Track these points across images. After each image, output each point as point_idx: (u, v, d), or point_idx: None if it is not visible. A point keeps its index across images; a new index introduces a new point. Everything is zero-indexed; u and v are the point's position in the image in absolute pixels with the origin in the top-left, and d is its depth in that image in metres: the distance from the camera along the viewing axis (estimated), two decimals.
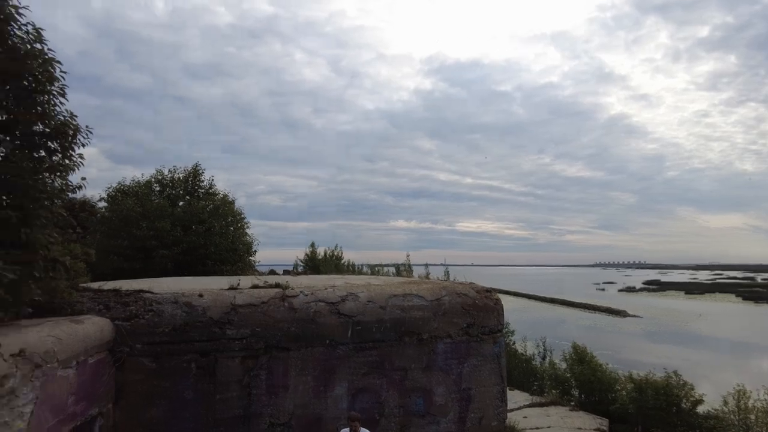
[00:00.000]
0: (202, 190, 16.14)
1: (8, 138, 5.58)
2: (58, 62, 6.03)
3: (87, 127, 6.58)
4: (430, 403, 9.30)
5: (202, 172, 16.37)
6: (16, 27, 5.74)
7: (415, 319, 9.31)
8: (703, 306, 76.39)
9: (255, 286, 8.95)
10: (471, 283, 11.17)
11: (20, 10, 5.74)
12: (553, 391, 19.69)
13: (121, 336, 7.37)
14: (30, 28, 5.85)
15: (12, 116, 5.44)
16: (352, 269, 31.24)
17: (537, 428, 11.17)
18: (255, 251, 16.92)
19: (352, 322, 8.81)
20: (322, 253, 31.70)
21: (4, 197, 4.99)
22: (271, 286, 9.07)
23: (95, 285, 8.58)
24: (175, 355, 7.65)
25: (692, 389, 15.04)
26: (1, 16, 5.49)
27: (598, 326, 52.99)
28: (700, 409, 14.81)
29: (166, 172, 16.06)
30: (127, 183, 15.72)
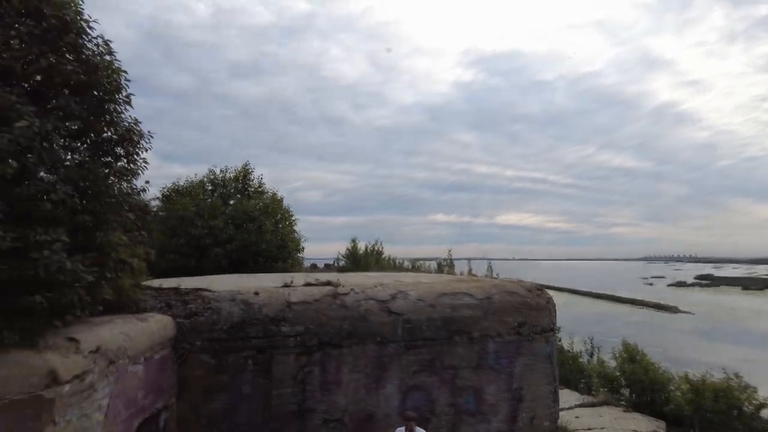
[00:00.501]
0: (252, 189, 16.63)
1: (81, 146, 5.89)
2: (124, 72, 6.30)
3: (149, 132, 6.85)
4: (481, 402, 9.26)
5: (252, 171, 16.91)
6: (87, 40, 6.02)
7: (465, 317, 9.27)
8: (763, 303, 72.59)
9: (308, 284, 9.13)
10: (521, 281, 11.02)
11: (91, 24, 6.02)
12: (601, 389, 19.20)
13: (182, 333, 7.68)
14: (100, 40, 6.12)
15: (85, 125, 5.72)
16: (393, 264, 31.31)
17: (589, 429, 10.97)
18: (303, 248, 17.27)
19: (402, 320, 8.86)
20: (363, 248, 31.82)
21: (78, 202, 5.26)
22: (323, 284, 9.22)
23: (156, 283, 8.95)
24: (234, 351, 7.91)
25: (755, 392, 14.35)
26: (74, 31, 5.77)
27: (647, 323, 51.22)
28: (765, 413, 14.12)
29: (217, 172, 16.70)
30: (181, 183, 16.45)
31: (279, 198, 17.00)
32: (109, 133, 6.29)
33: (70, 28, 5.73)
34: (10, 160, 4.23)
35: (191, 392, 7.70)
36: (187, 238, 13.69)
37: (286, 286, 8.96)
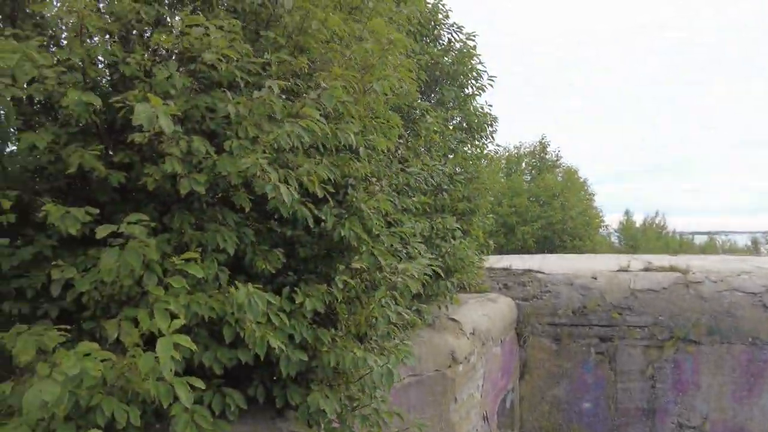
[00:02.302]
0: (549, 163, 16.01)
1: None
2: (478, 55, 6.27)
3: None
4: None
5: (548, 144, 16.22)
6: (446, 28, 6.17)
7: None
8: None
9: (647, 269, 8.12)
10: None
11: (448, 13, 6.13)
12: None
13: (523, 315, 7.61)
14: (454, 28, 6.21)
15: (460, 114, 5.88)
16: (686, 244, 26.76)
17: None
18: (607, 225, 16.00)
19: None
20: (641, 222, 27.78)
21: (460, 189, 5.43)
22: (665, 269, 8.08)
23: (486, 263, 9.11)
24: (575, 337, 7.53)
25: None
26: (438, 22, 5.93)
27: None
28: None
29: (511, 149, 16.54)
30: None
31: (574, 170, 15.98)
32: (465, 120, 6.39)
33: (435, 19, 5.92)
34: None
35: (533, 375, 7.63)
36: (494, 216, 13.90)
37: (622, 270, 8.12)
